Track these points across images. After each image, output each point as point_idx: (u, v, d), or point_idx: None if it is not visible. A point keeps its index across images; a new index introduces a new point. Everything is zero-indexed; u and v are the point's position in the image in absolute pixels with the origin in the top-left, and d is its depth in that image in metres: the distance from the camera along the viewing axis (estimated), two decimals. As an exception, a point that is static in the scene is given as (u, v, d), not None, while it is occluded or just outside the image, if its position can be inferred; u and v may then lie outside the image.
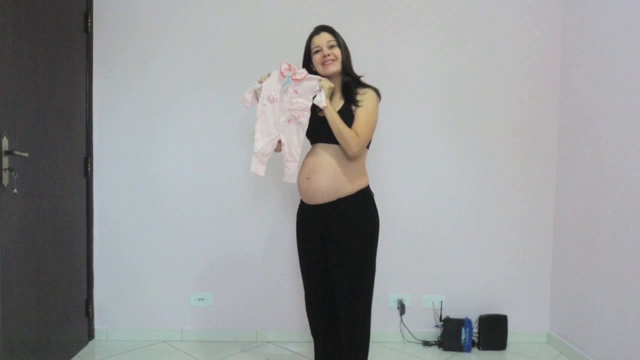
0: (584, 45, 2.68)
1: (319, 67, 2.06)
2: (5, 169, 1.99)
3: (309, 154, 2.11)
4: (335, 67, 2.04)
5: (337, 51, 2.04)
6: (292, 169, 2.07)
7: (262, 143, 2.05)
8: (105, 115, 2.86)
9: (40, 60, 2.30)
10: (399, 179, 2.90)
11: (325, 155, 2.02)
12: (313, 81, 1.99)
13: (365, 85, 2.09)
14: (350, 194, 2.00)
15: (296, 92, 2.01)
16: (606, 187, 2.47)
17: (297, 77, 1.99)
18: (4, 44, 2.00)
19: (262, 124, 2.05)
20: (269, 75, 2.06)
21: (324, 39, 2.04)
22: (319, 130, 2.04)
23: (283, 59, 2.78)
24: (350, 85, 2.06)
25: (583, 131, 2.68)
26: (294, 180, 2.08)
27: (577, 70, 2.75)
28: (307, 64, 2.11)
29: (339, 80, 2.08)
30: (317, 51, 2.04)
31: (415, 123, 2.90)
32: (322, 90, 1.95)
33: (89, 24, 2.77)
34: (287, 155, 2.06)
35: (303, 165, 2.11)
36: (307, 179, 2.04)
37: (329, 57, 2.02)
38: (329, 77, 2.05)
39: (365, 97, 2.02)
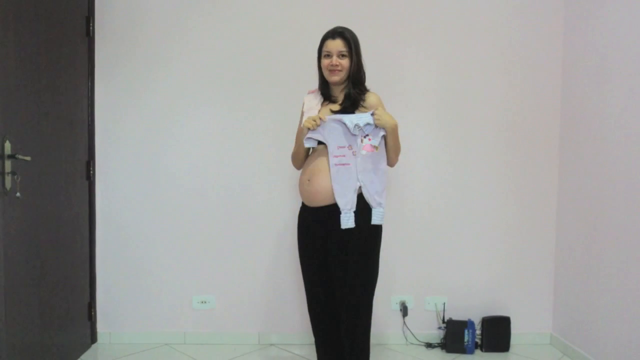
0: (585, 45, 2.68)
1: (325, 72, 2.08)
2: (8, 173, 2.00)
3: (311, 156, 2.11)
4: (340, 76, 2.05)
5: (345, 62, 2.04)
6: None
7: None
8: (108, 119, 2.86)
9: (43, 64, 2.31)
10: (401, 181, 2.90)
11: (327, 157, 2.02)
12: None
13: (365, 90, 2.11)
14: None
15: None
16: (608, 187, 2.46)
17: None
18: (6, 48, 2.01)
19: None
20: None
21: (336, 46, 2.04)
22: None
23: (290, 66, 2.83)
24: (355, 94, 2.07)
25: (585, 131, 2.67)
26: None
27: (578, 70, 2.75)
28: (319, 63, 2.13)
29: (344, 86, 2.10)
30: (327, 56, 2.05)
31: (417, 125, 2.90)
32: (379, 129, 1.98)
33: (91, 28, 2.78)
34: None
35: (305, 167, 2.12)
36: (309, 180, 2.04)
37: (336, 67, 2.03)
38: (333, 84, 2.08)
39: (371, 103, 2.05)
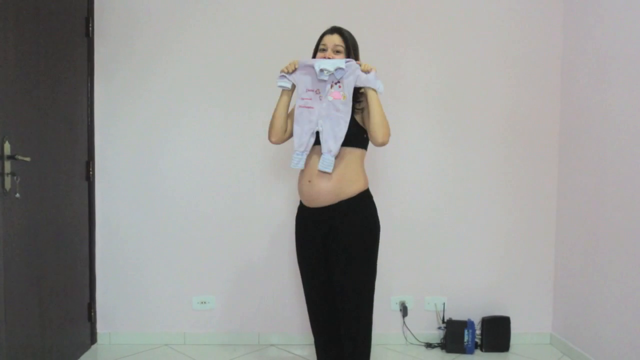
0: (585, 45, 2.68)
1: None
2: (8, 174, 1.99)
3: (311, 156, 2.10)
4: None
5: (339, 57, 2.03)
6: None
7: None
8: (107, 119, 2.86)
9: (42, 64, 2.31)
10: (400, 181, 2.90)
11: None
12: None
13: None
14: (352, 196, 2.00)
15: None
16: (608, 187, 2.46)
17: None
18: (6, 49, 2.01)
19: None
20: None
21: (333, 40, 2.04)
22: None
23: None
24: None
25: (584, 131, 2.67)
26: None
27: (577, 70, 2.75)
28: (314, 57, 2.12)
29: None
30: (323, 50, 2.05)
31: (417, 124, 2.90)
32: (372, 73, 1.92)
33: (90, 28, 2.78)
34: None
35: (305, 168, 2.09)
36: (309, 182, 2.03)
37: None
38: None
39: (366, 93, 2.02)
